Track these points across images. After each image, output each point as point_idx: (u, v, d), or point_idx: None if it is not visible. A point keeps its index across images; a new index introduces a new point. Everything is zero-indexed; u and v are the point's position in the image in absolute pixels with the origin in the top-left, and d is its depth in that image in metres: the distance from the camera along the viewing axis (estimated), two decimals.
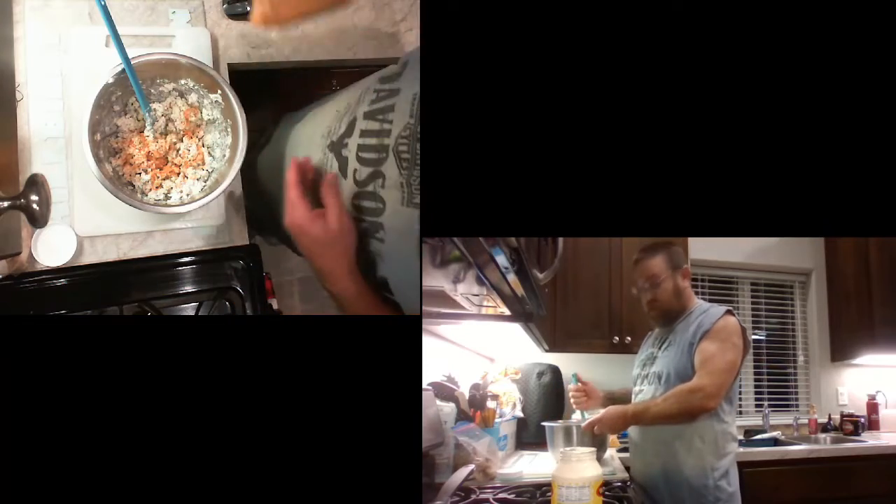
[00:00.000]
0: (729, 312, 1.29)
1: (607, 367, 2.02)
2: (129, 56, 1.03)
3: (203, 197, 1.10)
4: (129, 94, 1.12)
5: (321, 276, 0.98)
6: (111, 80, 1.07)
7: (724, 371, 1.22)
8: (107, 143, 1.12)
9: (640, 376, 1.37)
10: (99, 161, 1.05)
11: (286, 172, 0.97)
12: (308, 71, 1.26)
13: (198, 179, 1.16)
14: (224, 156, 1.16)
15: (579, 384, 1.50)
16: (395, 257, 0.91)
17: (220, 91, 1.15)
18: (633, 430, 1.39)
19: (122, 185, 1.09)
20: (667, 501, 1.26)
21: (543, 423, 1.56)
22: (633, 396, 1.39)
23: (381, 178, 0.93)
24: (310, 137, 1.11)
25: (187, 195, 1.14)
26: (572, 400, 1.51)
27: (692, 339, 1.25)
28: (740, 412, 2.34)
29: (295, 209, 0.94)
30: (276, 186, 1.17)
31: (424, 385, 1.24)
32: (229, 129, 1.17)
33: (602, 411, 1.30)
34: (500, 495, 1.12)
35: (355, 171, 0.97)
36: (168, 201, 1.13)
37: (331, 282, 0.97)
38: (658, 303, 1.35)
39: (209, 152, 1.18)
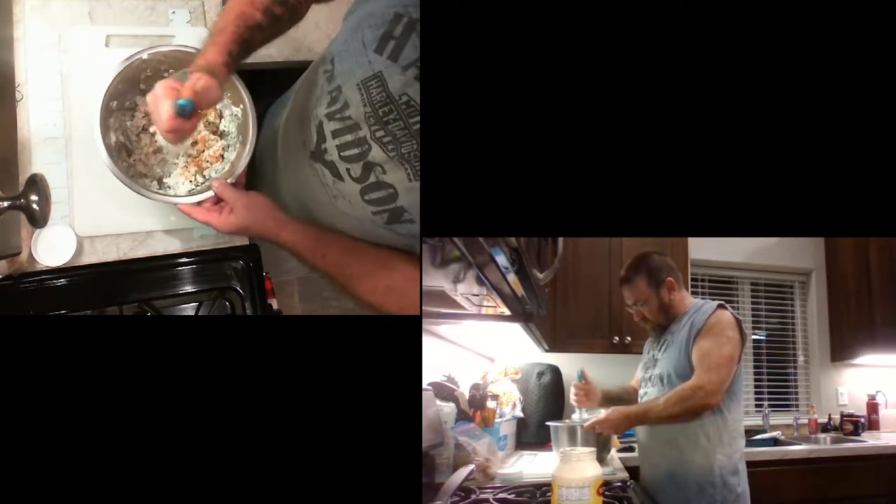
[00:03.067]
0: (721, 307, 1.29)
1: (607, 367, 2.02)
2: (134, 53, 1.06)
3: (186, 195, 1.09)
4: (158, 76, 1.10)
5: (273, 239, 1.06)
6: (146, 56, 1.07)
7: (722, 366, 1.21)
8: (121, 115, 1.12)
9: (644, 379, 1.38)
10: (106, 129, 1.05)
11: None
12: (300, 72, 1.26)
13: (188, 181, 1.16)
14: (223, 169, 1.16)
15: (583, 381, 1.50)
16: None
17: (241, 106, 1.14)
18: (639, 431, 1.39)
19: (120, 159, 1.08)
20: (673, 502, 1.25)
21: (548, 423, 1.56)
22: (639, 399, 1.39)
23: (376, 166, 0.94)
24: (290, 151, 1.12)
25: (170, 188, 1.14)
26: (573, 397, 1.52)
27: (687, 338, 1.25)
28: None
29: (201, 216, 1.06)
30: (270, 190, 1.17)
31: (424, 385, 1.24)
32: (237, 146, 1.16)
33: (605, 412, 1.31)
34: (500, 495, 1.12)
35: (348, 169, 0.98)
36: (159, 188, 1.13)
37: (286, 238, 1.05)
38: (648, 320, 1.38)
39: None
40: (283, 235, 1.05)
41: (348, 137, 0.96)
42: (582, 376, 1.51)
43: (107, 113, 1.05)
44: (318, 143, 1.01)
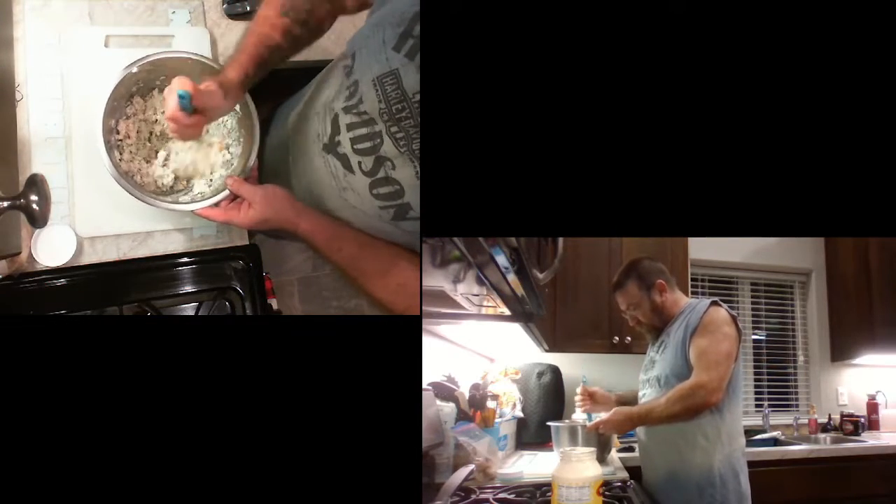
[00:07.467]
0: (715, 304, 1.29)
1: (607, 368, 2.02)
2: (139, 57, 1.08)
3: (200, 197, 1.10)
4: (149, 87, 1.13)
5: (292, 228, 1.07)
6: (135, 70, 1.07)
7: (721, 363, 1.21)
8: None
9: (643, 381, 1.38)
10: (110, 148, 1.05)
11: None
12: (308, 71, 1.26)
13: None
14: (231, 165, 1.16)
15: (584, 387, 1.51)
16: None
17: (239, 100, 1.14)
18: (639, 431, 1.39)
19: (124, 172, 1.09)
20: (674, 502, 1.25)
21: (549, 423, 1.56)
22: (639, 401, 1.39)
23: (386, 161, 0.95)
24: (303, 143, 1.12)
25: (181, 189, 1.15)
26: (577, 402, 1.52)
27: (683, 338, 1.25)
28: None
29: (219, 215, 1.08)
30: (283, 184, 1.17)
31: (424, 385, 1.24)
32: (241, 140, 1.16)
33: (609, 412, 1.31)
34: (500, 495, 1.12)
35: (360, 163, 0.99)
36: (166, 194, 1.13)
37: (305, 227, 1.06)
38: (642, 323, 1.39)
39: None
40: (302, 225, 1.06)
41: (363, 131, 0.97)
42: (585, 381, 1.51)
43: (108, 132, 1.06)
44: (332, 135, 1.02)
